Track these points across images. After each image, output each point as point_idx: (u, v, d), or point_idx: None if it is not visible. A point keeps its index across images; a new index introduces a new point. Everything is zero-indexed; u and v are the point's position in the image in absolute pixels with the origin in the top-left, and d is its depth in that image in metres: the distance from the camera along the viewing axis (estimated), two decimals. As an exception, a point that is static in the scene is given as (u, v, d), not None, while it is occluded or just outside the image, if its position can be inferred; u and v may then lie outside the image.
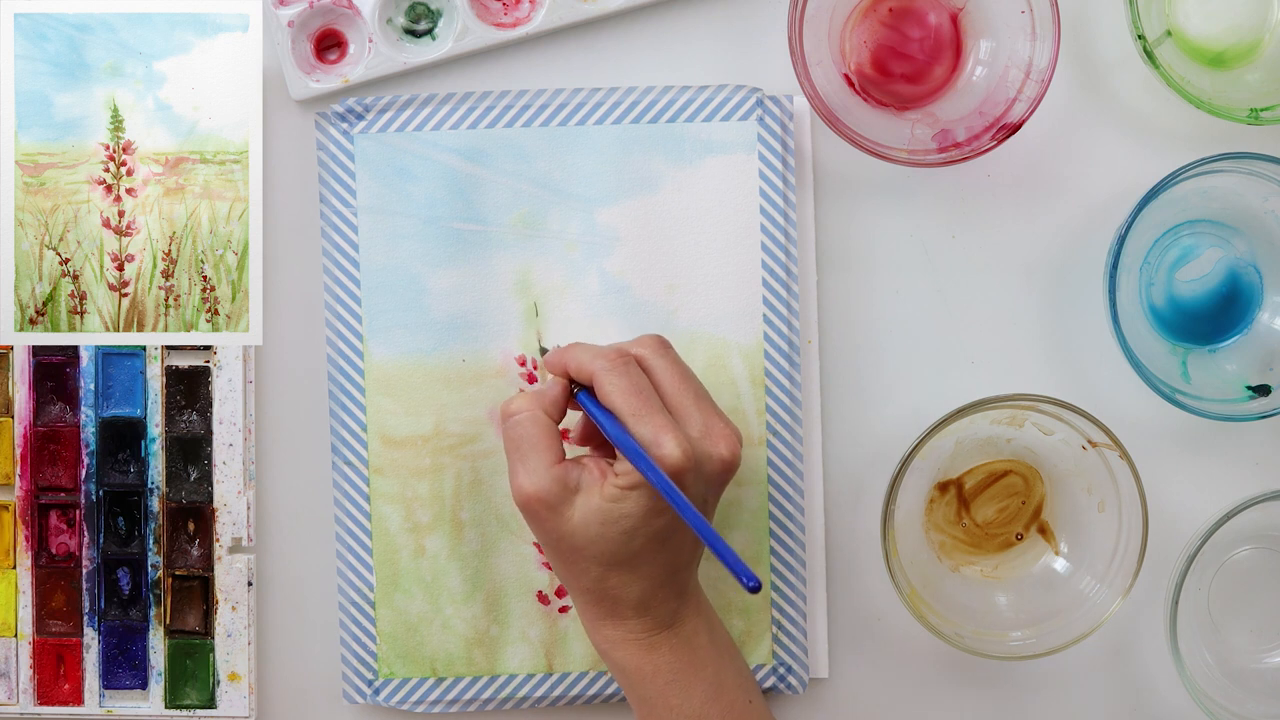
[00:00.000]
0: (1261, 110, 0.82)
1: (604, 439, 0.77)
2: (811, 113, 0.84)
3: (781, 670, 0.84)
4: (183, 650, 0.85)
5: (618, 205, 0.84)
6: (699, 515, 0.70)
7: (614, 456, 0.76)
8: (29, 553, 0.84)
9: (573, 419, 0.80)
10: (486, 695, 0.84)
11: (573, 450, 0.77)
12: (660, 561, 0.73)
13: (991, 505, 0.86)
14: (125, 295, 0.84)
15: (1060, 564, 0.85)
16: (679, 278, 0.84)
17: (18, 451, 0.84)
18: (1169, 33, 0.84)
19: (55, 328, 0.84)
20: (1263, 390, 0.83)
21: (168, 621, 0.85)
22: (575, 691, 0.84)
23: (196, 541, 0.84)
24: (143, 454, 0.84)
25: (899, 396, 0.85)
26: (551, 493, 0.72)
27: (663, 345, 0.76)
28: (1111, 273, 0.80)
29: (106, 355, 0.84)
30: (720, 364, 0.84)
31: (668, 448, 0.71)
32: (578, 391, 0.75)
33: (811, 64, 0.80)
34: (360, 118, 0.84)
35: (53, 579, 0.85)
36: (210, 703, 0.85)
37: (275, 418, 0.85)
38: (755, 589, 0.67)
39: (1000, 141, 0.80)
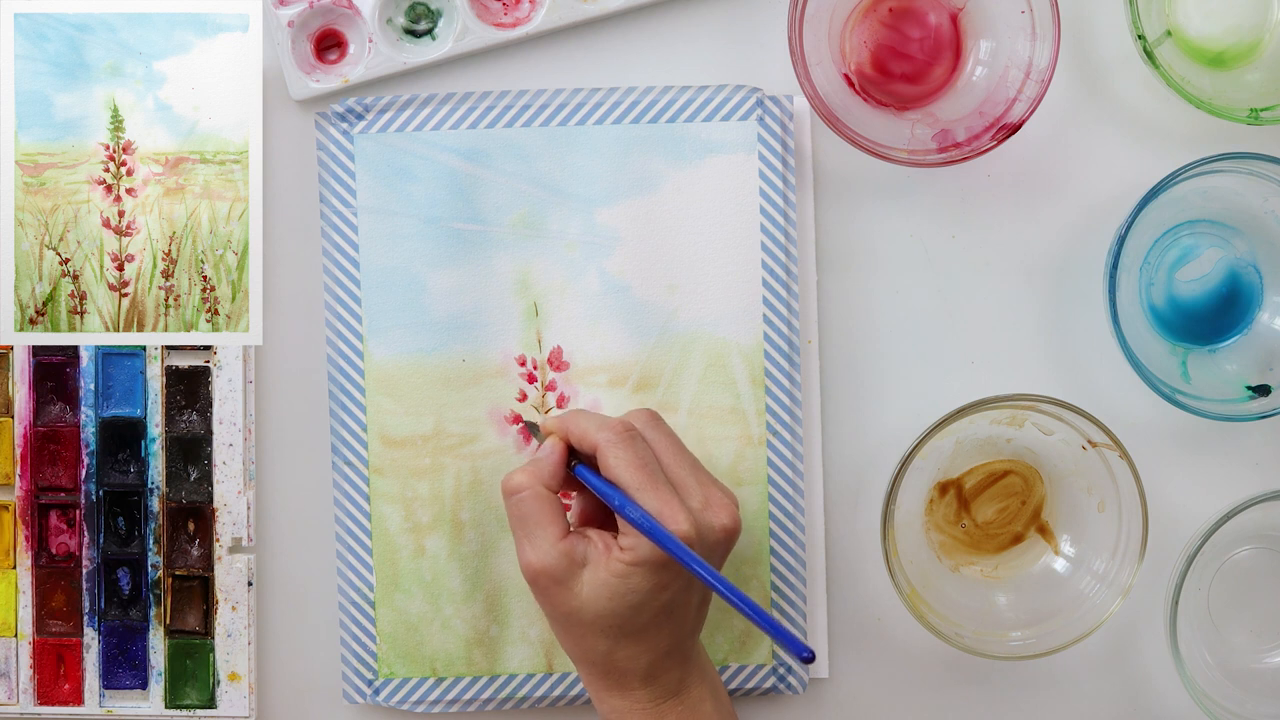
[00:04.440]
0: (1261, 110, 0.82)
1: (601, 521, 0.77)
2: (811, 113, 0.84)
3: (781, 670, 0.84)
4: (183, 650, 0.85)
5: (618, 205, 0.84)
6: (719, 575, 0.71)
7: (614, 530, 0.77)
8: (29, 553, 0.84)
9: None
10: (486, 695, 0.84)
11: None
12: (666, 632, 0.74)
13: (991, 505, 0.86)
14: (125, 295, 0.84)
15: (1060, 564, 0.85)
16: (679, 278, 0.84)
17: (18, 451, 0.84)
18: (1169, 33, 0.84)
19: (55, 328, 0.84)
20: (1263, 390, 0.83)
21: (168, 621, 0.85)
22: (575, 691, 0.84)
23: (196, 541, 0.84)
24: (143, 454, 0.84)
25: (899, 396, 0.85)
26: (559, 567, 0.72)
27: (655, 418, 0.76)
28: (1111, 273, 0.80)
29: (106, 355, 0.84)
30: (720, 364, 0.84)
31: (674, 523, 0.71)
32: (575, 466, 0.75)
33: (811, 64, 0.80)
34: (360, 118, 0.84)
35: (53, 579, 0.85)
36: (210, 703, 0.85)
37: (275, 418, 0.85)
38: (809, 660, 0.69)
39: (1000, 141, 0.80)
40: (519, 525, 0.73)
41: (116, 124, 0.84)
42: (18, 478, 0.84)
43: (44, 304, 0.84)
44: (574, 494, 0.79)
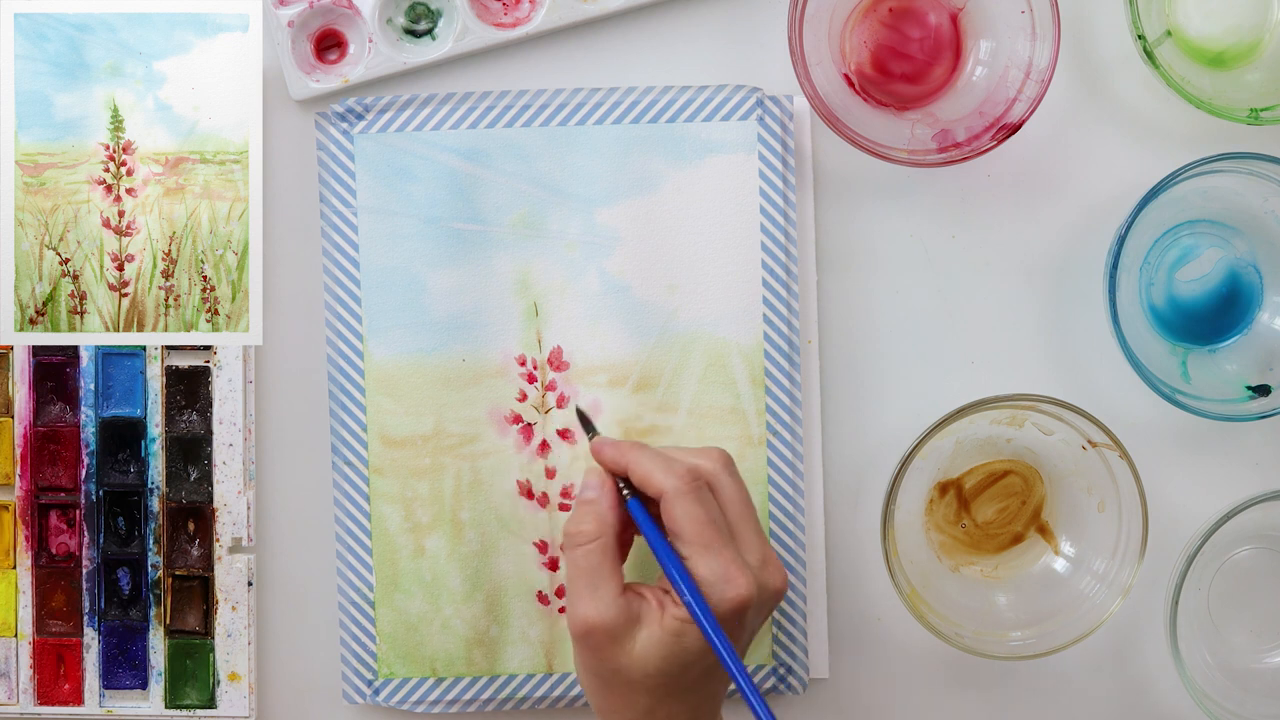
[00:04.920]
0: (1261, 110, 0.82)
1: (625, 537, 0.76)
2: (811, 113, 0.84)
3: (781, 670, 0.84)
4: (183, 650, 0.85)
5: (618, 205, 0.84)
6: (742, 667, 0.70)
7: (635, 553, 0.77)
8: (29, 553, 0.84)
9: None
10: (486, 695, 0.84)
11: None
12: (707, 690, 0.73)
13: (991, 505, 0.86)
14: (125, 295, 0.84)
15: (1060, 564, 0.85)
16: (679, 278, 0.84)
17: (18, 451, 0.84)
18: (1169, 33, 0.84)
19: (55, 328, 0.84)
20: (1263, 390, 0.83)
21: (168, 621, 0.85)
22: (575, 692, 0.84)
23: (196, 541, 0.85)
24: (143, 454, 0.84)
25: (899, 396, 0.85)
26: (617, 624, 0.71)
27: (729, 463, 0.74)
28: (1111, 273, 0.80)
29: (106, 355, 0.84)
30: (720, 364, 0.84)
31: (738, 585, 0.70)
32: (629, 498, 0.74)
33: (811, 64, 0.80)
34: (360, 118, 0.84)
35: (53, 579, 0.85)
36: (210, 703, 0.85)
37: (275, 418, 0.85)
38: None
39: (1000, 141, 0.80)
40: (581, 576, 0.72)
41: (116, 124, 0.84)
42: (18, 478, 0.84)
43: (44, 304, 0.84)
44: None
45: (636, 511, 0.74)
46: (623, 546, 0.77)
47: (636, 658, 0.71)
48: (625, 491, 0.74)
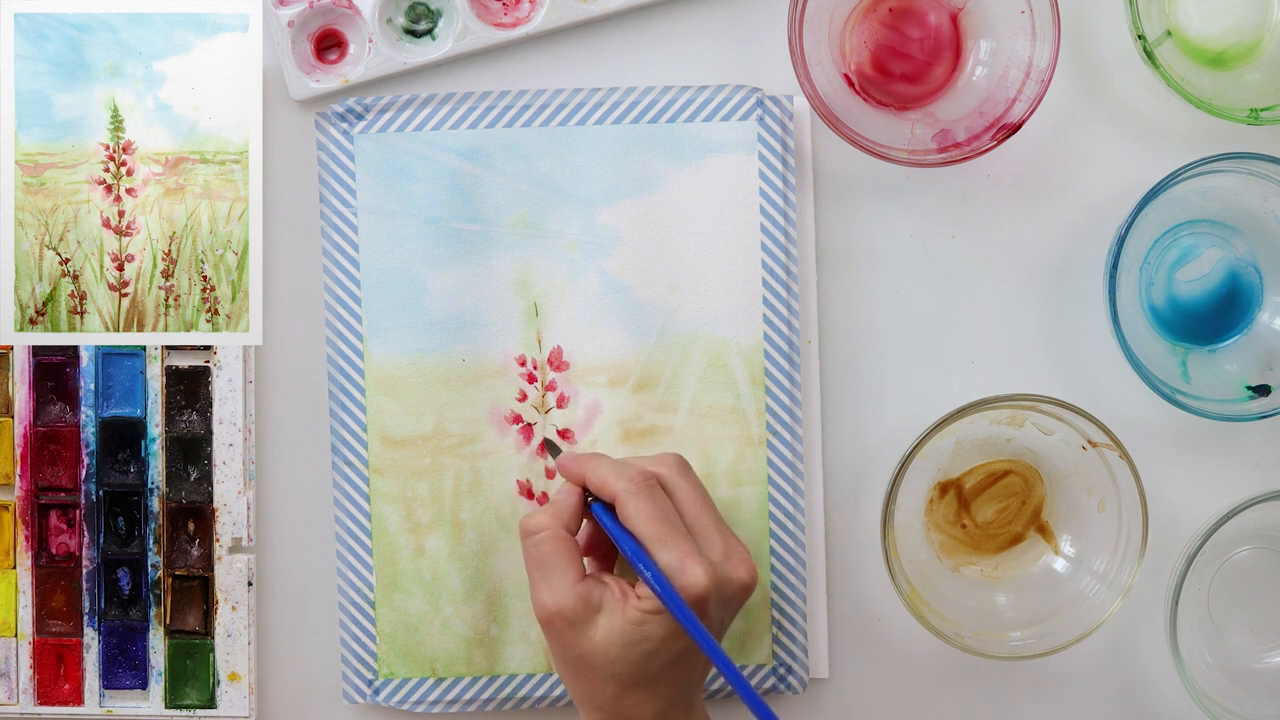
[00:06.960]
0: (1261, 110, 0.82)
1: (607, 549, 0.78)
2: (811, 113, 0.84)
3: (781, 670, 0.84)
4: (183, 650, 0.85)
5: (618, 205, 0.84)
6: (719, 649, 0.71)
7: (616, 567, 0.77)
8: (29, 553, 0.84)
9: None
10: (486, 695, 0.84)
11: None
12: (676, 682, 0.74)
13: (991, 505, 0.86)
14: (125, 295, 0.84)
15: (1060, 564, 0.85)
16: (679, 278, 0.84)
17: (18, 451, 0.84)
18: (1169, 33, 0.84)
19: (55, 328, 0.84)
20: (1263, 390, 0.83)
21: (168, 621, 0.85)
22: (575, 691, 0.84)
23: (196, 541, 0.85)
24: (143, 454, 0.84)
25: (899, 396, 0.85)
26: (575, 610, 0.72)
27: (683, 466, 0.76)
28: (1111, 273, 0.80)
29: (106, 355, 0.84)
30: (720, 364, 0.84)
31: (693, 574, 0.71)
32: (593, 503, 0.75)
33: (811, 64, 0.80)
34: (360, 118, 0.84)
35: (53, 579, 0.85)
36: (210, 703, 0.85)
37: (275, 418, 0.85)
38: None
39: (1000, 141, 0.80)
40: (536, 566, 0.73)
41: (116, 124, 0.84)
42: (18, 478, 0.84)
43: (44, 304, 0.84)
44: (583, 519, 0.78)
45: (600, 513, 0.75)
46: (603, 559, 0.78)
47: (598, 644, 0.72)
48: (590, 498, 0.76)
